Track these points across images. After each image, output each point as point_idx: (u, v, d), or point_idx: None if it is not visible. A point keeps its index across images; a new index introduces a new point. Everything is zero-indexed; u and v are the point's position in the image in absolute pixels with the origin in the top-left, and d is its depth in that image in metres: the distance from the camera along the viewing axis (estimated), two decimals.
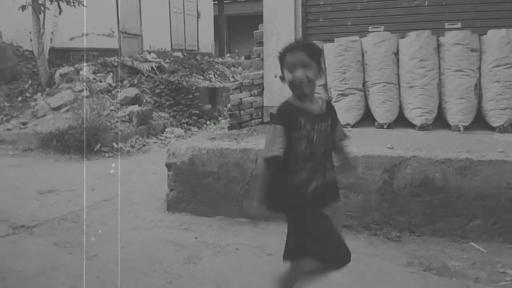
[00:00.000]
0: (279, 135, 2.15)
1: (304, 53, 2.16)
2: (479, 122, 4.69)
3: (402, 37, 4.83)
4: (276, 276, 2.46)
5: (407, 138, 4.36)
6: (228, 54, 18.98)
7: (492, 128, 4.59)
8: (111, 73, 10.46)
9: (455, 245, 3.60)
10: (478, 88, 4.62)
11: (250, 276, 3.16)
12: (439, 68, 4.71)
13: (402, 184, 3.73)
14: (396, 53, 4.85)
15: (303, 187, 2.21)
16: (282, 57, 2.22)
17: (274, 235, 3.89)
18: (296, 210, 2.26)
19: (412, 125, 4.82)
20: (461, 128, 4.57)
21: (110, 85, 9.98)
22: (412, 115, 4.76)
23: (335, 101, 5.03)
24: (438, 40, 4.72)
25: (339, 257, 2.25)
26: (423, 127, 4.69)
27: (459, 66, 4.57)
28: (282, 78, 2.26)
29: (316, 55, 2.21)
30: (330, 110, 2.33)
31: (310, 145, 2.19)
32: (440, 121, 4.79)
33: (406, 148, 3.90)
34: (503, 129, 4.49)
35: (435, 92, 4.69)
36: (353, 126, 4.98)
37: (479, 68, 4.61)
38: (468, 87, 4.56)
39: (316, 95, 2.30)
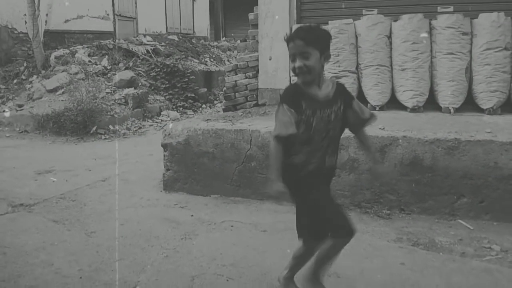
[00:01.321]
0: (290, 115, 2.21)
1: (302, 42, 2.20)
2: (470, 104, 4.78)
3: (395, 20, 4.89)
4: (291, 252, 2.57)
5: (399, 119, 4.45)
6: (223, 38, 18.92)
7: (482, 110, 4.68)
8: (106, 56, 10.46)
9: (443, 222, 3.73)
10: (469, 71, 4.69)
11: (244, 250, 3.27)
12: (431, 51, 4.78)
13: (393, 164, 3.83)
14: (389, 36, 4.91)
15: (297, 170, 2.28)
16: (287, 45, 2.28)
17: (268, 213, 4.02)
18: (295, 190, 2.34)
19: (404, 107, 4.91)
20: (452, 110, 4.66)
21: (105, 67, 9.99)
22: (404, 97, 4.85)
23: None
24: (430, 24, 4.78)
25: (342, 231, 2.27)
26: (414, 109, 4.78)
27: (450, 49, 4.64)
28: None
29: (317, 42, 2.22)
30: (341, 94, 2.34)
31: (308, 130, 2.24)
32: (432, 103, 4.88)
33: (397, 129, 3.99)
34: (492, 111, 4.58)
35: (427, 74, 4.77)
36: None
37: (470, 51, 4.68)
38: (459, 70, 4.64)
39: (330, 78, 2.34)
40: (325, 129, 2.27)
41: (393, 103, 5.03)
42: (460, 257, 3.17)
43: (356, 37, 5.04)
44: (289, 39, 2.25)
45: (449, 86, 4.67)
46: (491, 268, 3.01)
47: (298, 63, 2.21)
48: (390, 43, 4.93)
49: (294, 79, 5.24)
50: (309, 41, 2.20)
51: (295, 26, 5.29)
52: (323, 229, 2.34)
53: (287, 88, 2.34)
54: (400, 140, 3.80)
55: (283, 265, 3.01)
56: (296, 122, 2.22)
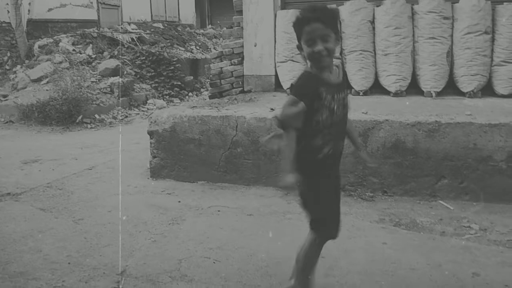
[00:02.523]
0: (299, 110, 2.10)
1: (322, 24, 2.06)
2: (451, 88, 4.86)
3: (378, 5, 4.94)
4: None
5: (382, 104, 4.53)
6: (209, 26, 18.83)
7: (463, 94, 4.77)
8: (90, 45, 10.38)
9: (424, 203, 3.83)
10: (450, 55, 4.77)
11: (230, 233, 3.33)
12: (413, 36, 4.84)
13: (375, 147, 3.91)
14: (372, 21, 4.96)
15: (314, 153, 2.20)
16: (298, 28, 2.12)
17: (254, 197, 4.08)
18: (309, 173, 2.25)
19: (387, 92, 4.98)
20: (433, 94, 4.74)
21: (90, 56, 9.92)
22: (387, 82, 4.92)
23: None
24: (412, 8, 4.84)
25: (329, 230, 2.31)
26: (397, 94, 4.86)
27: (432, 34, 4.71)
28: (300, 48, 2.17)
29: (334, 22, 2.12)
30: (345, 76, 2.32)
31: (331, 115, 2.16)
32: (414, 88, 4.95)
33: (380, 113, 4.06)
34: (473, 94, 4.67)
35: (409, 59, 4.84)
36: None
37: (451, 36, 4.75)
38: (440, 54, 4.72)
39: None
40: (343, 113, 2.23)
41: (377, 88, 5.10)
42: (440, 236, 3.27)
43: (340, 23, 5.07)
44: (304, 22, 2.09)
45: (430, 70, 4.74)
46: (469, 246, 3.11)
47: (318, 47, 2.06)
48: (373, 28, 4.98)
49: (280, 65, 5.32)
50: (328, 22, 2.08)
51: (279, 12, 5.31)
52: (338, 223, 2.32)
53: (301, 78, 2.18)
54: (383, 124, 3.88)
55: (268, 247, 3.10)
56: (319, 108, 2.13)
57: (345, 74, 2.36)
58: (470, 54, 4.65)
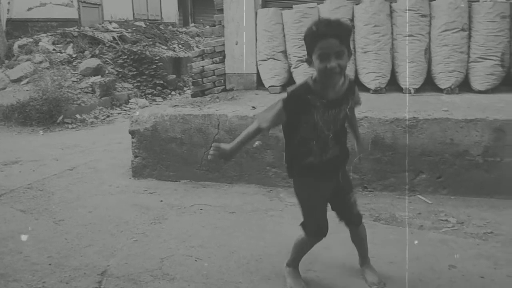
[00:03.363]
0: (279, 114, 2.19)
1: (337, 40, 2.02)
2: (429, 84, 4.94)
3: (357, 4, 4.99)
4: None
5: (361, 101, 4.57)
6: (192, 24, 18.75)
7: (441, 90, 4.85)
8: (71, 44, 10.27)
9: (403, 198, 3.89)
10: (428, 52, 4.85)
11: (212, 231, 3.35)
12: (392, 33, 4.91)
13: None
14: (352, 19, 5.02)
15: (300, 159, 2.30)
16: (311, 42, 2.07)
17: (236, 195, 4.10)
18: (298, 178, 2.40)
19: (366, 89, 5.04)
20: (412, 91, 4.82)
21: (70, 56, 9.82)
22: (366, 79, 4.98)
23: (295, 67, 5.18)
24: (390, 6, 4.90)
25: (313, 230, 2.44)
26: (377, 91, 4.92)
27: (410, 31, 4.78)
28: (309, 62, 2.14)
29: (348, 39, 2.09)
30: (350, 91, 2.28)
31: (314, 130, 2.21)
32: (393, 85, 5.02)
33: (359, 110, 4.10)
34: (450, 91, 4.76)
35: (388, 56, 4.90)
36: None
37: (429, 33, 4.83)
38: (418, 52, 4.79)
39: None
40: (331, 128, 2.24)
41: (357, 85, 5.13)
42: (418, 229, 3.34)
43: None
44: (319, 37, 2.03)
45: (409, 67, 4.81)
46: (447, 238, 3.18)
47: (332, 64, 2.02)
48: (353, 26, 5.03)
49: (261, 63, 5.35)
50: (343, 39, 2.04)
51: (260, 11, 5.33)
52: (324, 227, 2.42)
53: (296, 91, 2.21)
54: (362, 121, 3.92)
55: (250, 244, 3.12)
56: (303, 122, 2.19)
57: (352, 87, 2.32)
58: (448, 51, 4.73)
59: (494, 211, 3.59)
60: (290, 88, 2.27)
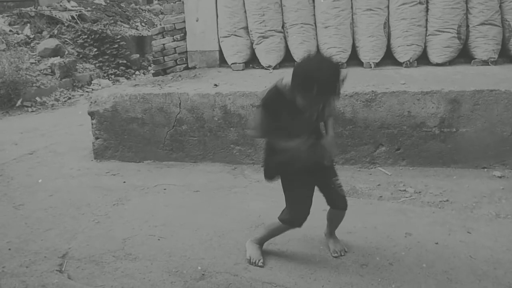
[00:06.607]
0: (267, 118, 2.26)
1: (334, 91, 2.09)
2: (389, 58, 5.00)
3: None
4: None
5: None
6: (156, 1, 18.27)
7: (400, 64, 4.93)
8: (28, 24, 9.87)
9: (364, 170, 3.98)
10: (387, 26, 4.90)
11: (176, 210, 3.35)
12: (352, 8, 4.93)
13: None
14: None
15: (275, 158, 2.41)
16: (309, 87, 2.04)
17: (202, 174, 4.10)
18: (281, 172, 2.49)
19: None
20: (372, 65, 4.88)
21: (28, 36, 9.46)
22: (328, 54, 4.99)
23: (257, 44, 5.15)
24: None
25: (294, 221, 2.52)
26: None
27: (369, 6, 4.80)
28: (294, 89, 2.16)
29: (340, 87, 2.10)
30: (325, 112, 2.40)
31: (288, 132, 2.28)
32: (354, 59, 5.06)
33: None
34: (409, 64, 4.84)
35: (349, 31, 4.93)
36: (274, 68, 5.15)
37: (388, 7, 4.87)
38: (377, 26, 4.83)
39: None
40: (305, 129, 2.32)
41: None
42: (377, 200, 3.44)
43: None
44: (323, 93, 2.07)
45: (369, 41, 4.86)
46: (404, 208, 3.29)
47: (318, 107, 2.24)
48: (313, 1, 5.02)
49: (223, 40, 5.29)
50: (338, 91, 2.11)
51: None
52: (303, 218, 2.50)
53: (268, 96, 2.25)
54: None
55: (214, 221, 3.14)
56: (276, 125, 2.27)
57: (327, 107, 2.39)
58: (406, 24, 4.79)
59: (450, 180, 3.72)
60: (261, 93, 2.37)
